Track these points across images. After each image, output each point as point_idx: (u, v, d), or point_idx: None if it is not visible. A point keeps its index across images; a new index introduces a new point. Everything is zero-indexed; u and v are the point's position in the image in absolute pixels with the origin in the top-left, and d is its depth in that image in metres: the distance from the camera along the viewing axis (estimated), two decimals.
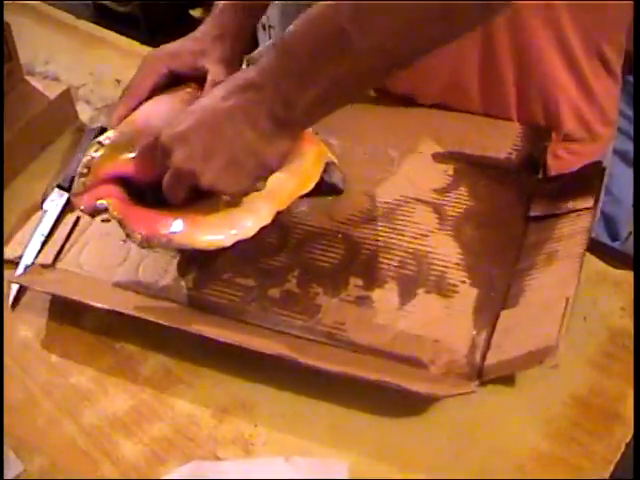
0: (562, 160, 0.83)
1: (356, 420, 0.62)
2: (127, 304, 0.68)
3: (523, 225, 0.72)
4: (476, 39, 0.77)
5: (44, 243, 0.76)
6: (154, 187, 0.65)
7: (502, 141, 0.80)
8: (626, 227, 1.50)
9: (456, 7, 0.52)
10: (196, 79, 0.74)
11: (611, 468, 0.58)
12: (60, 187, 0.81)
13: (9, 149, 0.83)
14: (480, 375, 0.61)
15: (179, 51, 0.75)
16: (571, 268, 0.64)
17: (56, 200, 0.80)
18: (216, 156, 0.60)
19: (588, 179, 0.71)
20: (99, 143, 0.67)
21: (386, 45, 0.55)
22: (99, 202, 0.64)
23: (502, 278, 0.68)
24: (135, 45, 1.03)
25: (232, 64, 0.75)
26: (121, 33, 1.07)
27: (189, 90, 0.74)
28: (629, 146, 1.48)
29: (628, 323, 0.66)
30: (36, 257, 0.75)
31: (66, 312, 0.71)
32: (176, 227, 0.63)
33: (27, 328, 0.71)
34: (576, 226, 0.68)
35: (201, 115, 0.61)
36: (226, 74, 0.72)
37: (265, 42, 2.12)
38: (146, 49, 1.02)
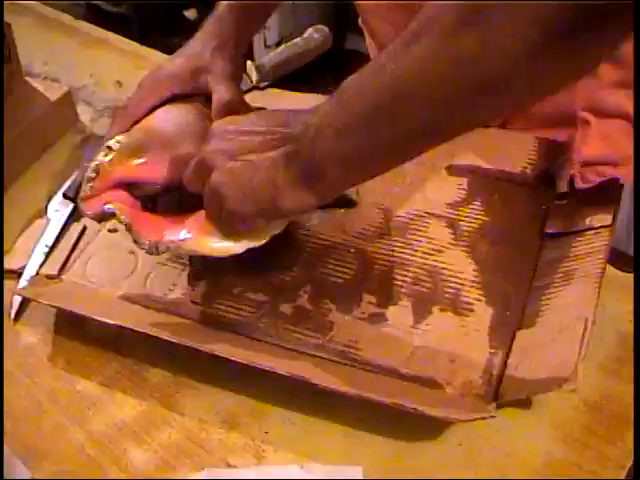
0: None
1: (369, 427, 0.61)
2: (134, 318, 0.67)
3: (539, 242, 0.71)
4: None
5: (48, 253, 0.75)
6: (164, 192, 0.64)
7: (518, 155, 0.79)
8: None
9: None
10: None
11: (624, 473, 0.58)
12: (65, 196, 0.80)
13: (9, 152, 0.81)
14: (496, 396, 0.60)
15: (180, 72, 0.73)
16: (590, 288, 0.63)
17: (61, 209, 0.79)
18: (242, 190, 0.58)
19: (606, 196, 0.70)
20: (108, 148, 0.66)
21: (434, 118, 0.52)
22: (107, 206, 0.64)
23: (518, 296, 0.67)
24: (135, 46, 1.02)
25: (235, 77, 0.74)
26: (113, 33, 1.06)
27: (197, 104, 0.73)
28: None
29: None
30: (40, 267, 0.74)
31: (72, 319, 0.70)
32: (185, 233, 0.62)
33: (32, 334, 0.70)
34: (594, 244, 0.67)
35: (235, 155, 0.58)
36: (230, 91, 0.71)
37: (260, 44, 2.12)
38: (146, 50, 1.02)
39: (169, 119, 0.70)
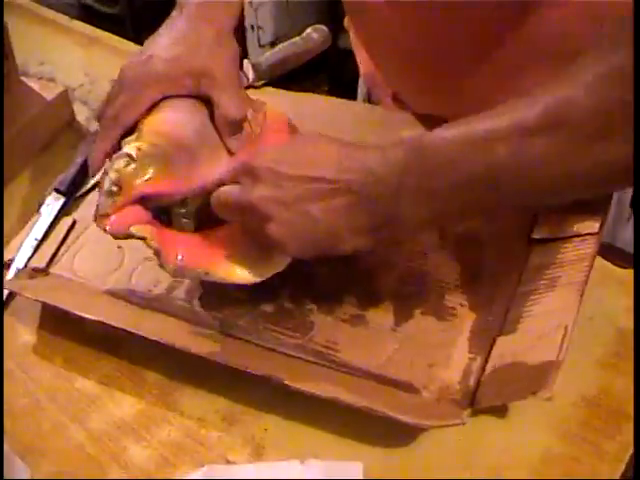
0: None
1: (368, 421, 0.61)
2: (117, 314, 0.66)
3: (526, 247, 0.70)
4: None
5: (37, 247, 0.75)
6: (179, 203, 0.64)
7: None
8: None
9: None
10: None
11: (622, 467, 0.59)
12: (57, 190, 0.80)
13: (6, 151, 0.81)
14: (472, 402, 0.60)
15: (174, 74, 0.65)
16: (572, 296, 0.62)
17: (52, 204, 0.79)
18: (298, 215, 0.57)
19: (594, 203, 0.69)
20: (129, 156, 0.59)
21: (533, 197, 0.56)
22: (135, 230, 0.59)
23: (501, 302, 0.66)
24: (130, 45, 1.02)
25: (236, 78, 0.68)
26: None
27: (197, 102, 0.67)
28: None
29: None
30: (28, 261, 0.74)
31: (68, 316, 0.70)
32: (213, 259, 0.61)
33: (29, 332, 0.70)
34: (580, 252, 0.66)
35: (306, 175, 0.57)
36: (235, 104, 0.66)
37: (254, 43, 2.11)
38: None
39: (184, 123, 0.65)
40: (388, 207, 0.55)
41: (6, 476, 0.57)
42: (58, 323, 0.70)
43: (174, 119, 0.65)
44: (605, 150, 0.51)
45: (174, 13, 0.70)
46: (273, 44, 2.03)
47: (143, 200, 0.60)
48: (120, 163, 0.59)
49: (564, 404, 0.62)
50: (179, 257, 0.60)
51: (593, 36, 0.53)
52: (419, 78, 0.81)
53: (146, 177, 0.59)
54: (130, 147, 0.61)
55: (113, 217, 0.59)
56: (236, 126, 0.66)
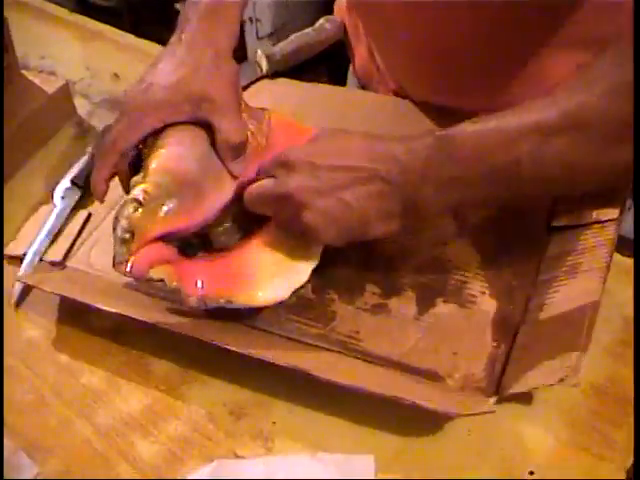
0: None
1: (377, 415, 0.61)
2: (137, 307, 0.66)
3: (545, 235, 0.70)
4: None
5: (53, 240, 0.75)
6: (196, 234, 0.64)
7: None
8: None
9: None
10: None
11: (632, 457, 0.58)
12: (73, 183, 0.79)
13: (7, 145, 0.81)
14: (497, 390, 0.60)
15: (173, 100, 0.65)
16: (594, 282, 0.62)
17: (68, 196, 0.78)
18: (332, 201, 0.60)
19: (613, 189, 0.69)
20: (136, 201, 0.60)
21: (551, 190, 0.62)
22: (153, 274, 0.60)
23: (522, 290, 0.67)
24: (131, 38, 1.02)
25: (237, 102, 0.67)
26: None
27: (197, 130, 0.67)
28: None
29: None
30: (44, 254, 0.73)
31: (74, 310, 0.70)
32: (234, 284, 0.63)
33: (33, 327, 0.70)
34: (600, 238, 0.66)
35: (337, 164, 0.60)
36: (235, 128, 0.66)
37: (252, 35, 2.10)
38: (142, 42, 1.01)
39: (187, 156, 0.65)
40: (413, 193, 0.59)
41: (13, 474, 0.57)
42: (62, 318, 0.70)
43: (177, 154, 0.65)
44: (619, 152, 0.56)
45: (173, 39, 0.69)
46: (271, 36, 2.02)
47: (163, 237, 0.62)
48: (130, 209, 0.60)
49: (572, 392, 0.61)
50: (199, 284, 0.62)
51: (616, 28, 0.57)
52: (433, 75, 0.81)
53: (156, 220, 0.60)
54: (137, 190, 0.61)
55: (131, 261, 0.60)
56: (238, 150, 0.66)
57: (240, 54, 0.71)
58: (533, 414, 0.60)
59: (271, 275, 0.65)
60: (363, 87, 0.96)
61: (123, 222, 0.59)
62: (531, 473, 0.58)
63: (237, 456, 0.59)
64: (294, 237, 0.64)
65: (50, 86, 0.87)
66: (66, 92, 0.89)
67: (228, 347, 0.61)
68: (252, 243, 0.66)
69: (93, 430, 0.62)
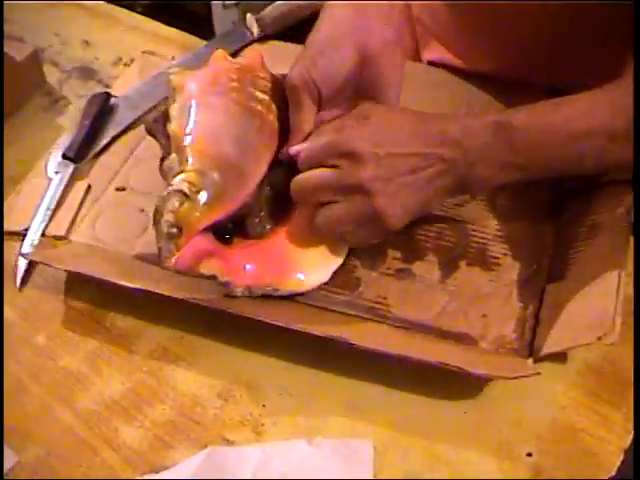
0: None
1: (370, 393, 0.60)
2: (154, 280, 0.62)
3: (559, 197, 0.70)
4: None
5: (53, 214, 0.71)
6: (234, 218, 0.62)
7: None
8: None
9: None
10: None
11: (630, 438, 0.58)
12: (65, 156, 0.75)
13: None
14: (531, 351, 0.60)
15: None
16: (618, 242, 0.62)
17: (62, 171, 0.75)
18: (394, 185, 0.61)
19: None
20: (182, 193, 0.56)
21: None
22: (204, 271, 0.58)
23: (543, 251, 0.67)
24: (101, 4, 0.97)
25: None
26: None
27: (234, 85, 0.64)
28: None
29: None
30: (45, 229, 0.70)
31: (49, 287, 0.67)
32: (279, 270, 0.62)
33: (7, 307, 0.66)
34: (616, 199, 0.66)
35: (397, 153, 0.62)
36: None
37: (217, 4, 2.06)
38: (113, 8, 0.97)
39: (225, 135, 0.62)
40: (467, 172, 0.62)
41: None
42: (38, 296, 0.67)
43: (216, 133, 0.62)
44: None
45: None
46: (237, 4, 1.98)
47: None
48: (175, 203, 0.56)
49: (568, 372, 0.61)
50: (245, 274, 0.61)
51: None
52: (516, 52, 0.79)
53: (204, 211, 0.57)
54: (179, 180, 0.58)
55: (176, 256, 0.57)
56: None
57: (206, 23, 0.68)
58: (530, 394, 0.59)
59: (312, 259, 0.64)
60: None
61: (169, 216, 0.56)
62: (529, 454, 0.57)
63: (227, 441, 0.57)
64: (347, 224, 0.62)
65: (18, 53, 0.83)
66: (35, 59, 0.85)
67: (257, 318, 0.59)
68: (285, 230, 0.64)
69: (74, 415, 0.59)
